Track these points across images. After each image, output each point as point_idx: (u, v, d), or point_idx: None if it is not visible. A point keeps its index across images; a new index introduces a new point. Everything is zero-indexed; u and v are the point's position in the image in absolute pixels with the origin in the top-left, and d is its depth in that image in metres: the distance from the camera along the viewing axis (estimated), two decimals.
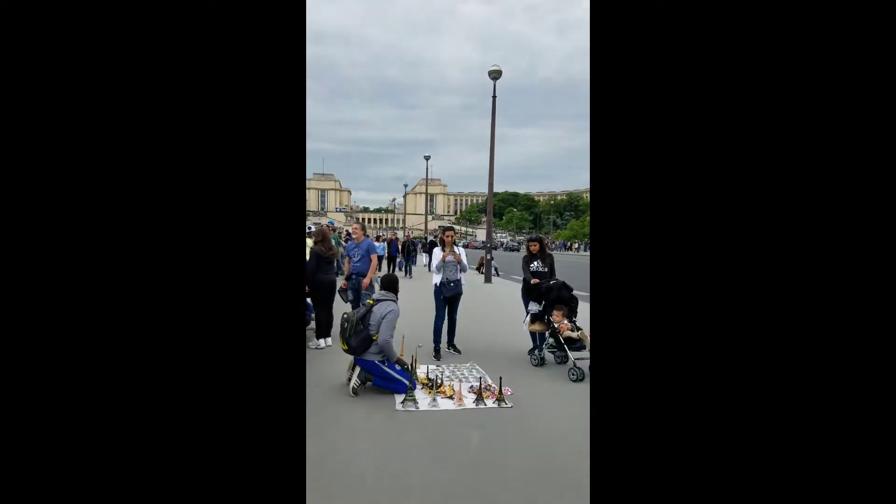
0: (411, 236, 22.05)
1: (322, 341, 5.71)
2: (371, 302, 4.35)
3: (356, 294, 5.93)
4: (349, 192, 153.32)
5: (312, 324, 6.49)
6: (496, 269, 17.02)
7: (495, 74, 14.07)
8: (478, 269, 18.21)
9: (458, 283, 5.44)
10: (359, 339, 4.09)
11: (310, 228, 8.96)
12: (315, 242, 5.71)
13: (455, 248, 5.49)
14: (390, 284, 4.48)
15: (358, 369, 4.13)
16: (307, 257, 5.66)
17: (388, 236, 18.83)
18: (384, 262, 15.66)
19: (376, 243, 15.55)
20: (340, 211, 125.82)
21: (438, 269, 5.41)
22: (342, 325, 4.30)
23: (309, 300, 6.07)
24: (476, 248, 53.38)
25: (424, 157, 32.84)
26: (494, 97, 14.22)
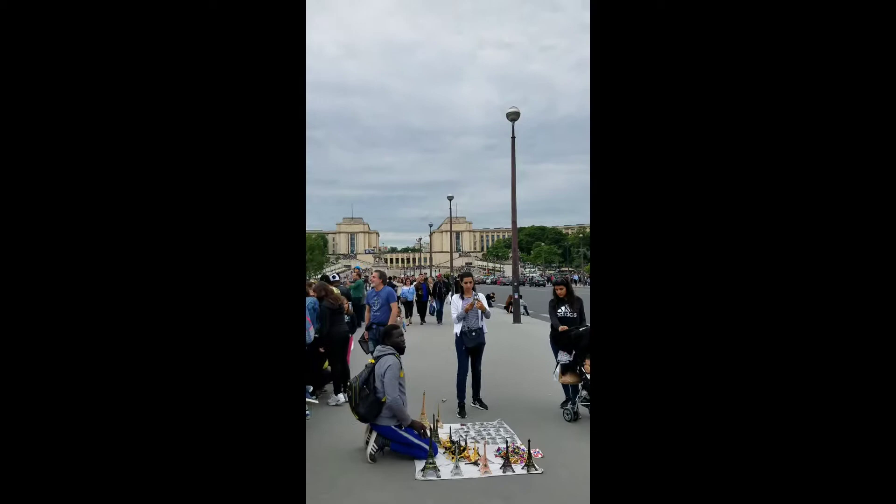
0: (442, 276, 20.40)
1: (342, 396, 5.49)
2: (372, 361, 4.12)
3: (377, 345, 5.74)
4: (377, 233, 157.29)
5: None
6: (525, 308, 16.43)
7: (513, 116, 14.35)
8: (506, 307, 17.59)
9: (480, 331, 5.17)
10: (367, 404, 3.86)
11: (335, 277, 8.82)
12: (320, 298, 5.59)
13: (475, 294, 5.26)
14: (386, 335, 4.24)
15: (375, 434, 3.87)
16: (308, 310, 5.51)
17: (418, 278, 17.63)
18: (414, 308, 14.82)
19: (405, 287, 14.35)
20: (369, 253, 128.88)
21: (459, 318, 5.17)
22: (348, 394, 4.08)
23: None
24: (505, 283, 52.48)
25: (448, 197, 33.41)
26: (514, 138, 14.70)
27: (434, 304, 14.76)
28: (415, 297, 14.84)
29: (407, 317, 13.84)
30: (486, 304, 5.23)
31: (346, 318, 5.91)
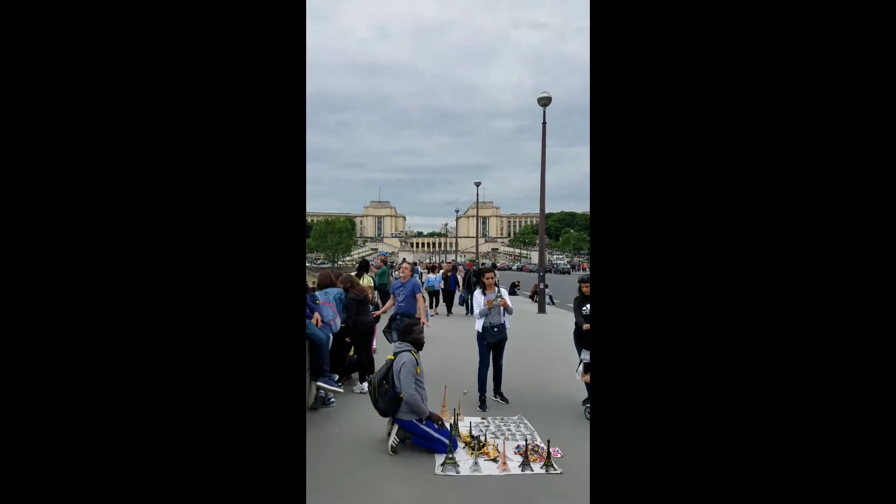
0: (473, 265, 18.80)
1: (366, 385, 5.61)
2: (391, 357, 4.16)
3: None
4: (403, 217, 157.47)
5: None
6: (551, 298, 16.19)
7: (545, 101, 14.04)
8: (531, 296, 17.33)
9: (502, 327, 5.18)
10: (386, 400, 3.94)
11: (363, 260, 9.02)
12: (346, 289, 5.68)
13: (498, 291, 5.26)
14: (405, 332, 4.26)
15: (396, 426, 3.96)
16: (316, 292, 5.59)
17: (445, 266, 15.66)
18: (439, 298, 13.92)
19: (430, 275, 13.88)
20: (396, 237, 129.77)
21: (482, 314, 5.18)
22: (368, 389, 4.14)
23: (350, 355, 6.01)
24: (531, 270, 51.82)
25: (475, 182, 32.72)
26: (545, 123, 14.41)
27: (462, 293, 13.73)
28: (441, 286, 13.82)
29: (432, 306, 13.22)
30: (508, 301, 5.22)
31: (371, 308, 6.03)
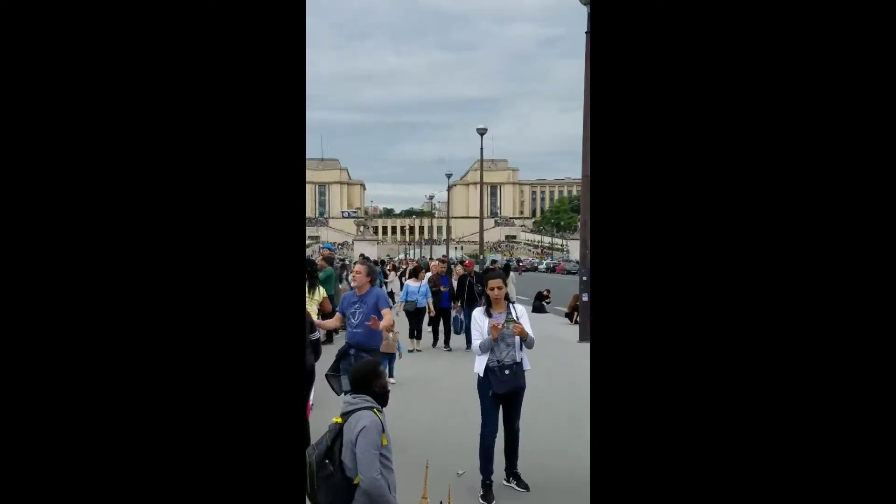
0: (474, 265, 12.63)
1: None
2: (338, 420, 2.69)
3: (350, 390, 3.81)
4: (362, 185, 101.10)
5: None
6: None
7: None
8: (569, 315, 12.06)
9: (517, 368, 3.43)
10: (331, 489, 2.54)
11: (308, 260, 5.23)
12: None
13: (511, 308, 3.39)
14: (361, 380, 2.79)
15: None
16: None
17: (434, 267, 9.89)
18: (422, 322, 8.81)
19: (411, 283, 8.92)
20: (349, 216, 79.54)
21: (484, 348, 3.33)
22: (308, 470, 2.69)
23: None
24: (569, 272, 37.61)
25: (478, 130, 20.24)
26: (589, 33, 9.36)
27: (461, 315, 8.45)
28: (427, 302, 8.64)
29: (413, 337, 8.49)
30: (528, 327, 3.38)
31: (316, 337, 3.80)
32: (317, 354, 3.88)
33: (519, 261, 55.10)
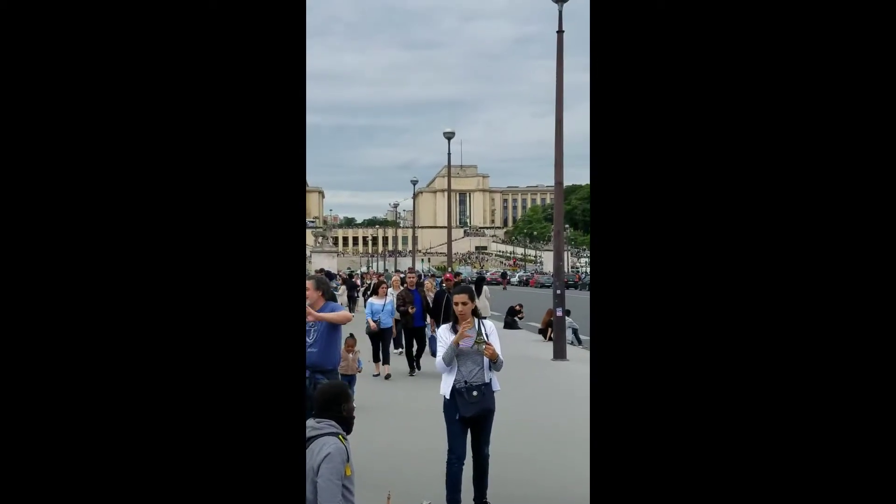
0: (454, 277, 11.46)
1: None
2: None
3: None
4: (320, 192, 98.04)
5: None
6: (575, 333, 10.91)
7: None
8: (542, 331, 11.84)
9: (485, 390, 3.23)
10: None
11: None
12: None
13: (479, 325, 3.20)
14: (327, 403, 2.59)
15: None
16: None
17: (408, 280, 9.09)
18: (388, 344, 7.96)
19: (375, 301, 7.98)
20: (308, 227, 75.43)
21: (447, 359, 3.13)
22: None
23: None
24: (543, 285, 36.25)
25: (445, 134, 18.58)
26: (560, 32, 9.14)
27: (434, 333, 6.36)
28: (393, 321, 7.95)
29: (377, 360, 7.79)
30: (497, 346, 3.19)
31: None
32: None
33: (504, 274, 51.29)
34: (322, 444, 2.42)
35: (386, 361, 7.75)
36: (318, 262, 35.67)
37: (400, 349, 8.54)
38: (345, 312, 3.89)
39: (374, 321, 7.61)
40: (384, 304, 7.79)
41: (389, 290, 8.34)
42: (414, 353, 8.05)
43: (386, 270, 21.10)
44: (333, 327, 3.53)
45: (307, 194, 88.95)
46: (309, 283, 3.50)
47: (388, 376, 7.66)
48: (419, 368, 8.03)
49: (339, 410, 2.55)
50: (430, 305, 8.15)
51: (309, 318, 3.34)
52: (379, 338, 7.73)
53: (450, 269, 16.23)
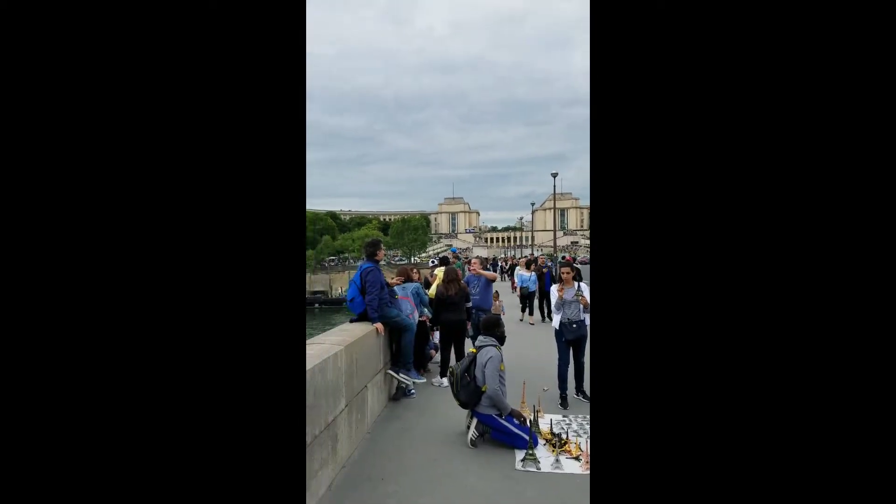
0: (545, 261, 15.15)
1: (445, 380, 5.69)
2: (473, 350, 4.17)
3: (477, 331, 5.84)
4: (477, 213, 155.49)
5: (437, 357, 6.55)
6: None
7: None
8: None
9: (581, 324, 4.96)
10: (467, 392, 3.95)
11: (433, 260, 8.80)
12: (444, 281, 5.71)
13: (578, 286, 5.07)
14: (490, 326, 4.21)
15: (475, 420, 3.96)
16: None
17: (540, 260, 13.51)
18: (533, 303, 11.02)
19: (522, 272, 11.22)
20: (469, 232, 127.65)
21: (557, 308, 5.04)
22: (449, 380, 4.18)
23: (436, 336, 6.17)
24: None
25: (552, 174, 31.59)
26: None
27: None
28: (536, 288, 10.95)
29: (525, 310, 10.99)
30: (587, 298, 4.99)
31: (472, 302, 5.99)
32: (469, 315, 6.05)
33: (578, 258, 63.58)
34: (487, 351, 3.98)
35: (531, 313, 10.89)
36: (476, 252, 54.51)
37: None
38: (493, 273, 6.24)
39: (523, 287, 10.89)
40: (530, 276, 11.08)
41: (535, 269, 11.65)
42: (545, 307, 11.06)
43: (520, 257, 28.99)
44: (487, 282, 5.72)
45: (470, 214, 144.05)
46: (475, 260, 5.78)
47: (531, 323, 10.65)
48: (546, 319, 10.77)
49: (496, 331, 4.15)
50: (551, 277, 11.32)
51: (472, 271, 5.69)
52: (526, 298, 10.98)
53: (551, 256, 20.99)
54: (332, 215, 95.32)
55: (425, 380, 5.80)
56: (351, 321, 4.76)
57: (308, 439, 2.77)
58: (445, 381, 5.65)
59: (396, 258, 69.76)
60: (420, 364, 6.05)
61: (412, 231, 76.12)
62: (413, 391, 5.26)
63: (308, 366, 2.83)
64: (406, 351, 4.98)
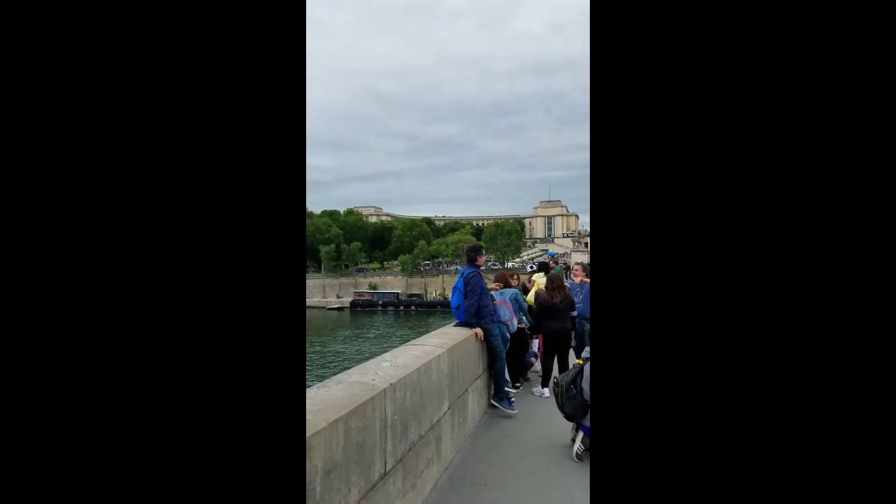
0: None
1: (546, 390, 5.54)
2: (579, 361, 4.03)
3: (580, 341, 5.60)
4: (576, 216, 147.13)
5: (537, 366, 6.41)
6: None
7: None
8: None
9: None
10: (573, 404, 3.81)
11: (531, 265, 8.71)
12: (549, 288, 5.55)
13: None
14: None
15: (582, 434, 3.81)
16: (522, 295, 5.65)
17: None
18: None
19: None
20: (567, 236, 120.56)
21: None
22: (553, 391, 4.08)
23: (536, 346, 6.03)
24: None
25: None
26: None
27: None
28: None
29: None
30: None
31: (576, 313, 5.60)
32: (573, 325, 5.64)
33: None
34: None
35: None
36: (575, 257, 56.27)
37: None
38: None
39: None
40: None
41: None
42: None
43: None
44: (589, 293, 5.47)
45: (567, 217, 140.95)
46: (577, 266, 5.55)
47: None
48: None
49: None
50: None
51: (577, 280, 5.46)
52: None
53: None
54: (427, 221, 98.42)
55: (521, 388, 5.70)
56: (454, 325, 4.83)
57: (414, 438, 2.84)
58: (547, 391, 5.51)
59: (489, 262, 70.10)
60: (519, 373, 5.96)
61: (505, 236, 75.90)
62: (514, 401, 5.14)
63: (414, 366, 2.91)
64: (500, 374, 4.85)
